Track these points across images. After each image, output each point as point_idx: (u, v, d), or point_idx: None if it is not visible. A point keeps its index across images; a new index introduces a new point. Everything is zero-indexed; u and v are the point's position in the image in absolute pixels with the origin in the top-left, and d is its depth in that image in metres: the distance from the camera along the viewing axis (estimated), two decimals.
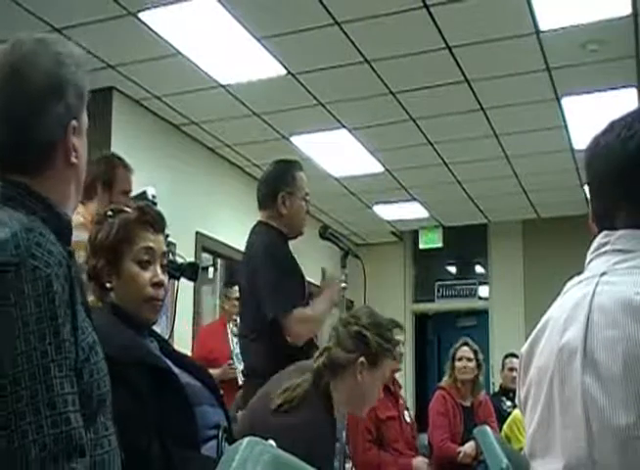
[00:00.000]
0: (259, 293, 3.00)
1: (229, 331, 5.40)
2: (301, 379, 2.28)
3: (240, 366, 5.15)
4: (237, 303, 5.59)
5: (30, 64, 1.29)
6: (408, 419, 4.26)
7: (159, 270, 1.91)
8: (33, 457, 1.08)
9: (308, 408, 2.20)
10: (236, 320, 5.44)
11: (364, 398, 2.40)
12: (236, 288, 5.78)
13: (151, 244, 1.90)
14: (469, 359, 4.87)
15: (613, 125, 1.32)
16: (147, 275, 1.88)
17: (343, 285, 3.17)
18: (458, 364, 4.89)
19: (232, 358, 5.22)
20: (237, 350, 5.33)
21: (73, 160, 1.33)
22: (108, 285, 1.89)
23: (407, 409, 4.36)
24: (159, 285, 1.90)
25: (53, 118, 1.29)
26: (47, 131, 1.29)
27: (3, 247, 1.15)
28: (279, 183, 3.20)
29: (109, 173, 3.29)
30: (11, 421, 1.09)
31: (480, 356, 4.95)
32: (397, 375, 4.44)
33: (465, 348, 4.95)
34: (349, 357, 2.32)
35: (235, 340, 5.38)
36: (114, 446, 1.30)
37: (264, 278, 3.00)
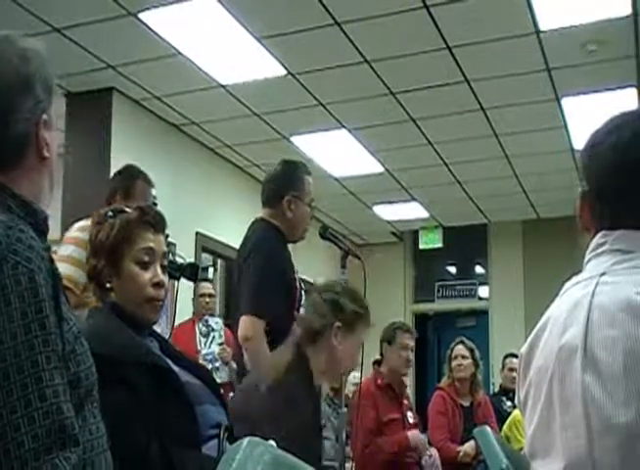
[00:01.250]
0: (243, 289, 2.94)
1: (197, 331, 5.34)
2: (284, 349, 2.34)
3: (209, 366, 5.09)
4: (208, 299, 5.57)
5: None
6: (411, 420, 4.25)
7: (159, 270, 1.91)
8: (27, 449, 1.09)
9: (293, 380, 2.26)
10: (207, 320, 5.40)
11: (340, 363, 2.42)
12: (204, 284, 5.75)
13: (151, 244, 1.90)
14: (464, 357, 4.87)
15: (611, 125, 1.32)
16: (147, 275, 1.89)
17: None
18: (454, 363, 4.89)
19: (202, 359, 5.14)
20: (204, 350, 5.27)
21: (46, 154, 1.34)
22: (108, 285, 1.88)
23: (411, 410, 4.35)
24: (159, 285, 1.90)
25: (23, 114, 1.30)
26: (18, 127, 1.30)
27: None
28: (287, 185, 3.14)
29: (127, 184, 3.34)
30: (2, 416, 1.10)
31: (477, 355, 4.95)
32: None
33: (460, 346, 4.95)
34: (325, 323, 2.37)
35: (203, 340, 5.31)
36: (103, 432, 1.31)
37: (249, 274, 2.93)
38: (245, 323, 2.89)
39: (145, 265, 1.89)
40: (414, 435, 4.10)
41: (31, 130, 1.31)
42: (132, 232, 1.89)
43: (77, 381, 1.23)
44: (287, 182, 3.16)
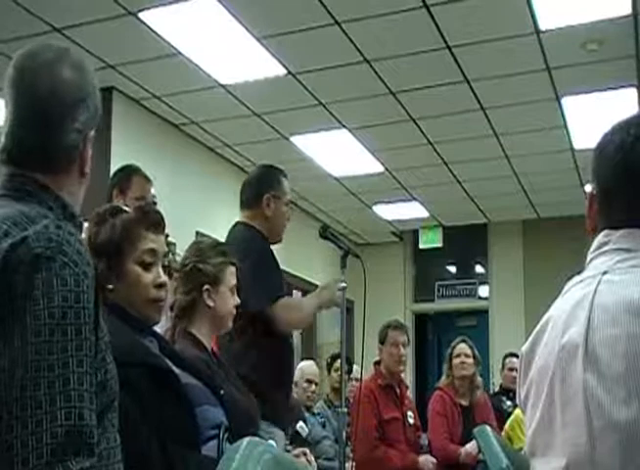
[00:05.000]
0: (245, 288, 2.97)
1: None
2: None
3: None
4: None
5: (63, 71, 1.32)
6: (411, 421, 4.25)
7: (161, 271, 1.91)
8: (44, 445, 1.11)
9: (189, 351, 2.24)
10: None
11: (224, 316, 2.40)
12: None
13: (153, 245, 1.90)
14: (467, 356, 4.85)
15: (618, 125, 1.32)
16: (150, 277, 1.88)
17: (343, 285, 3.15)
18: (456, 361, 4.86)
19: None
20: None
21: (87, 170, 1.38)
22: (110, 286, 1.86)
23: (413, 410, 4.35)
24: (162, 286, 1.90)
25: (79, 125, 1.33)
26: (72, 136, 1.32)
27: (37, 239, 1.19)
28: (265, 185, 3.21)
29: (124, 180, 3.36)
30: (26, 408, 1.12)
31: (477, 354, 4.94)
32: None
33: (462, 345, 4.94)
34: (194, 295, 2.34)
35: None
36: (119, 443, 1.33)
37: (242, 273, 2.95)
38: (273, 315, 2.91)
39: (147, 267, 1.89)
40: (426, 461, 4.12)
41: (80, 144, 1.34)
42: (134, 233, 1.88)
43: (103, 389, 1.25)
44: (264, 183, 3.23)
